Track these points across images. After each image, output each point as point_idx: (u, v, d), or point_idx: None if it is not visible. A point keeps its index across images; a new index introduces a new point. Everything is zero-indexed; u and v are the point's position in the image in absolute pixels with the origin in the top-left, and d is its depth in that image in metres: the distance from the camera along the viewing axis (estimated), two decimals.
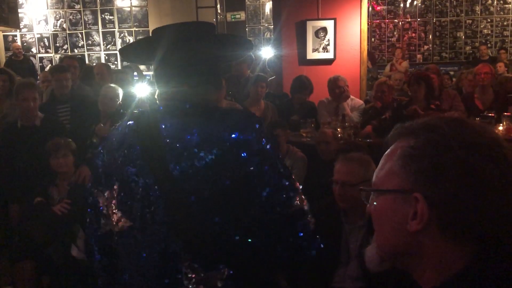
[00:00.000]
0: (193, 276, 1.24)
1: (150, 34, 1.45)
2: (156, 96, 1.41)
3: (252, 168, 1.25)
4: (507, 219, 0.77)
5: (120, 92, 4.18)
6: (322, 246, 1.37)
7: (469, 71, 5.94)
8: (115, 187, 1.34)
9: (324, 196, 2.65)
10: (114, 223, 1.35)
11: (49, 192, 3.21)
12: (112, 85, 4.36)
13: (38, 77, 7.37)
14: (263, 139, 1.29)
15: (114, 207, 1.35)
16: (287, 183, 1.29)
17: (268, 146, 1.30)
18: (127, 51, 1.58)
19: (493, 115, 4.20)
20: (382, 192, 0.85)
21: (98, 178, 1.41)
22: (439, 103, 4.11)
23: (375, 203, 0.87)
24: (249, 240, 1.28)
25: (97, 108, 4.20)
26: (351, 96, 4.75)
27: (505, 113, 4.15)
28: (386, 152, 0.88)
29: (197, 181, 1.24)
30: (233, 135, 1.25)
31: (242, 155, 1.25)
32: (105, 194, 1.37)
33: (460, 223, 0.77)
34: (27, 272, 3.08)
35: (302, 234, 1.31)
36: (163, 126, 1.29)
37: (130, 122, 1.37)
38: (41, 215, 3.12)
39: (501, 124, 3.99)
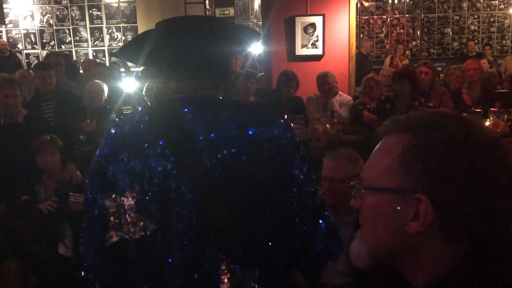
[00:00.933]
0: (229, 277, 1.18)
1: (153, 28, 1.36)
2: (143, 92, 1.38)
3: (284, 160, 1.22)
4: (505, 219, 0.76)
5: (105, 87, 4.15)
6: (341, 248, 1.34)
7: (457, 66, 5.98)
8: (131, 189, 1.22)
9: None
10: (132, 230, 1.22)
11: (35, 190, 3.17)
12: (97, 80, 4.33)
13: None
14: (291, 131, 1.26)
15: (131, 213, 1.22)
16: (313, 175, 1.27)
17: (296, 138, 1.27)
18: (125, 51, 1.46)
19: (480, 110, 4.24)
20: (378, 190, 0.82)
21: (105, 182, 1.26)
22: (423, 100, 4.13)
23: (368, 200, 0.84)
24: (281, 237, 1.24)
25: (82, 104, 4.16)
26: (340, 92, 4.77)
27: (492, 109, 4.19)
28: (379, 147, 0.85)
29: (234, 176, 1.18)
30: (264, 128, 1.21)
31: (275, 147, 1.21)
32: (116, 199, 1.24)
33: (462, 224, 0.76)
34: (13, 271, 3.04)
35: (326, 227, 1.28)
36: (189, 118, 1.21)
37: (138, 117, 1.26)
38: (27, 213, 3.09)
39: (488, 120, 4.03)
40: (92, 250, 1.29)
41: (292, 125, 1.29)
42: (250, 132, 1.20)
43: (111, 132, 1.28)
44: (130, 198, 1.22)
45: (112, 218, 1.24)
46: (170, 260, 1.20)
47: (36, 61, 9.07)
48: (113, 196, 1.24)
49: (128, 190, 1.22)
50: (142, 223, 1.21)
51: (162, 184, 1.19)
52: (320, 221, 1.28)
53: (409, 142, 0.78)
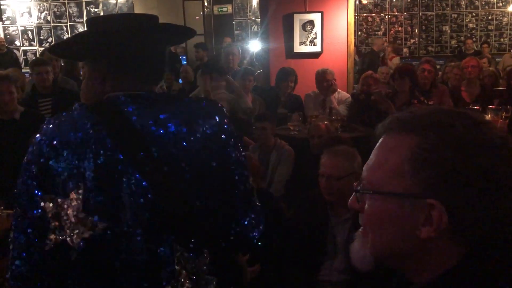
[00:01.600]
0: (185, 266, 1.21)
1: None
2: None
3: (228, 151, 1.30)
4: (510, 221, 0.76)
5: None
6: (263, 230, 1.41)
7: (455, 64, 5.99)
8: (79, 189, 1.18)
9: (311, 189, 2.65)
10: (78, 231, 1.18)
11: None
12: None
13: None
14: (230, 124, 1.33)
15: (77, 213, 1.18)
16: (244, 161, 1.35)
17: (231, 127, 1.33)
18: (59, 48, 1.49)
19: (478, 108, 4.24)
20: (385, 194, 0.79)
21: (46, 183, 1.20)
22: (423, 99, 4.13)
23: (372, 203, 0.82)
24: (220, 222, 1.32)
25: (80, 101, 4.15)
26: (338, 90, 4.76)
27: (490, 106, 4.19)
28: (381, 147, 0.82)
29: (184, 168, 1.21)
30: (208, 122, 1.27)
31: (220, 140, 1.28)
32: (58, 200, 1.19)
33: (472, 227, 0.74)
34: None
35: (254, 211, 1.38)
36: (134, 116, 1.22)
37: (78, 114, 1.24)
38: None
39: (486, 117, 4.03)
40: (25, 256, 1.21)
41: (227, 116, 1.36)
42: (195, 127, 1.25)
43: (48, 128, 1.23)
44: (76, 198, 1.19)
45: (52, 221, 1.19)
46: (123, 257, 1.20)
47: (34, 58, 9.02)
48: (54, 197, 1.19)
49: (75, 189, 1.18)
50: (90, 222, 1.19)
51: (112, 181, 1.18)
52: (249, 207, 1.37)
53: (418, 145, 0.76)
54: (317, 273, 2.35)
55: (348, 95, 4.86)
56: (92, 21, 1.35)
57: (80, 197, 1.19)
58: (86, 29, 1.35)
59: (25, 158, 1.25)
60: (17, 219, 1.23)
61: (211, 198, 1.27)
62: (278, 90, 4.80)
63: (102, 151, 1.19)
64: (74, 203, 1.20)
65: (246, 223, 1.35)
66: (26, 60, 9.76)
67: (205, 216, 1.26)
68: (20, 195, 1.23)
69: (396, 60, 8.96)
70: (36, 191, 1.21)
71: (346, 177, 2.29)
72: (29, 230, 1.21)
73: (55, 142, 1.20)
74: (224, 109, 1.37)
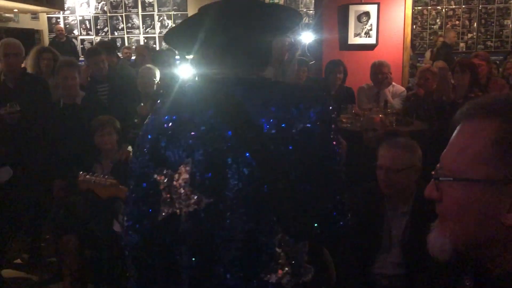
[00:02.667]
0: (285, 250, 1.19)
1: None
2: (196, 79, 1.38)
3: (330, 137, 1.25)
4: None
5: (157, 72, 4.24)
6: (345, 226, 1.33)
7: None
8: (186, 162, 1.23)
9: (365, 182, 2.61)
10: (185, 204, 1.24)
11: (92, 169, 3.29)
12: (149, 65, 4.43)
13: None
14: (333, 111, 1.29)
15: (184, 186, 1.23)
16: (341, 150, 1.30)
17: (333, 114, 1.29)
18: (171, 37, 1.44)
19: None
20: (467, 181, 0.77)
21: (157, 157, 1.27)
22: (480, 94, 3.97)
23: (452, 191, 0.80)
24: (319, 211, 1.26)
25: (136, 86, 4.28)
26: (393, 83, 4.65)
27: None
28: (461, 134, 0.81)
29: (290, 151, 1.20)
30: (309, 106, 1.23)
31: (321, 124, 1.23)
32: (168, 173, 1.25)
33: None
34: (71, 244, 3.18)
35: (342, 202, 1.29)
36: (240, 95, 1.23)
37: (189, 93, 1.29)
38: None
39: None
40: (138, 226, 1.30)
41: (330, 103, 1.32)
42: (297, 111, 1.22)
43: (159, 107, 1.30)
44: (185, 172, 1.23)
45: (164, 193, 1.26)
46: (223, 234, 1.21)
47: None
48: (165, 171, 1.25)
49: (183, 163, 1.23)
50: (196, 197, 1.23)
51: (218, 157, 1.20)
52: (338, 197, 1.28)
53: (503, 129, 0.74)
54: (371, 265, 2.32)
55: (403, 88, 4.74)
56: (203, 8, 1.33)
57: (188, 171, 1.23)
58: (197, 15, 1.33)
59: (140, 134, 1.33)
60: (131, 191, 1.32)
61: (313, 184, 1.24)
62: (329, 83, 4.74)
63: (209, 126, 1.22)
64: (183, 177, 1.24)
65: (335, 213, 1.28)
66: (83, 49, 10.13)
67: (306, 201, 1.23)
68: (134, 169, 1.32)
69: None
70: (149, 164, 1.28)
71: (406, 169, 2.24)
72: (142, 202, 1.30)
73: (165, 119, 1.27)
74: (326, 96, 1.33)
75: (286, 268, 1.20)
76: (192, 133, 1.23)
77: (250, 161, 1.19)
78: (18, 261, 3.95)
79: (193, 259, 1.26)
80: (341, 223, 1.28)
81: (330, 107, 1.27)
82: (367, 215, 2.35)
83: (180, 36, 1.39)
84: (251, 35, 1.29)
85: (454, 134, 0.83)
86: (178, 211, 1.26)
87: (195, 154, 1.22)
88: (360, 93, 4.68)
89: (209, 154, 1.21)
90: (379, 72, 4.45)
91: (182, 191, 1.24)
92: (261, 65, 1.34)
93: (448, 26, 10.49)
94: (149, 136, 1.29)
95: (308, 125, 1.21)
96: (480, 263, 0.86)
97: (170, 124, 1.26)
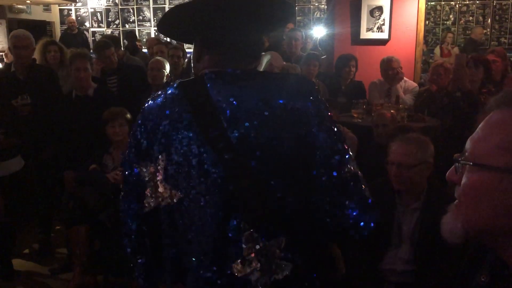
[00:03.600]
0: (253, 247, 1.19)
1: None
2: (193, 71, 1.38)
3: (310, 132, 1.22)
4: None
5: (167, 64, 4.25)
6: (378, 220, 1.27)
7: None
8: (161, 159, 1.26)
9: (376, 177, 2.59)
10: (161, 198, 1.28)
11: (104, 160, 3.30)
12: (158, 57, 4.44)
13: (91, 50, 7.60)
14: (319, 103, 1.26)
15: (160, 180, 1.27)
16: (340, 147, 1.25)
17: (324, 110, 1.26)
18: (164, 26, 1.42)
19: None
20: (486, 167, 0.77)
21: (140, 151, 1.31)
22: (494, 90, 3.91)
23: (472, 176, 0.80)
24: (305, 207, 1.25)
25: (144, 77, 4.30)
26: (405, 78, 4.61)
27: None
28: (489, 120, 0.81)
29: (256, 147, 1.20)
30: (289, 100, 1.22)
31: (300, 119, 1.22)
32: (149, 167, 1.29)
33: None
34: (81, 235, 3.20)
35: (356, 199, 1.23)
36: (214, 92, 1.24)
37: (171, 91, 1.30)
38: (95, 182, 3.23)
39: None
40: (130, 216, 1.35)
41: (320, 97, 1.28)
42: (274, 104, 1.21)
43: (146, 104, 1.33)
44: (160, 167, 1.27)
45: (147, 187, 1.30)
46: (194, 229, 1.24)
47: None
48: (148, 165, 1.29)
49: (159, 159, 1.27)
50: (169, 192, 1.26)
51: (188, 155, 1.22)
52: (348, 198, 1.23)
53: None
54: (380, 261, 2.31)
55: (415, 84, 4.69)
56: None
57: (162, 167, 1.26)
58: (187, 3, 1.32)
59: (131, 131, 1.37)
60: (124, 184, 1.38)
61: (286, 179, 1.22)
62: (340, 78, 4.70)
63: (181, 124, 1.24)
64: (155, 172, 1.28)
65: (339, 213, 1.24)
66: (94, 41, 10.16)
67: (279, 198, 1.22)
68: (123, 162, 1.37)
69: (456, 50, 8.59)
70: (133, 159, 1.32)
71: (418, 165, 2.22)
72: (130, 196, 1.35)
73: (147, 115, 1.30)
74: (315, 87, 1.30)
75: (256, 265, 1.20)
76: (163, 128, 1.26)
77: (214, 157, 1.20)
78: (27, 251, 3.98)
79: (172, 251, 1.31)
80: (352, 219, 1.23)
81: (313, 97, 1.25)
82: None
83: (174, 26, 1.40)
84: (241, 27, 1.28)
85: (484, 121, 0.83)
86: (159, 204, 1.30)
87: (170, 150, 1.25)
88: (371, 88, 4.64)
89: (180, 151, 1.24)
90: (389, 68, 4.41)
91: (159, 185, 1.28)
92: (249, 60, 1.32)
93: (461, 22, 10.36)
94: (136, 130, 1.33)
95: (284, 117, 1.21)
96: (495, 258, 0.85)
97: (150, 118, 1.29)
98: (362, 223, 1.24)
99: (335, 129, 1.26)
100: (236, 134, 1.20)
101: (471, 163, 0.80)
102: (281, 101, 1.22)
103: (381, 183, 2.42)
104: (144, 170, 1.30)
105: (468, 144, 0.83)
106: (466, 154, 0.82)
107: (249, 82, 1.26)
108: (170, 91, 1.31)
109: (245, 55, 1.31)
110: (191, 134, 1.22)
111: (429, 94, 4.31)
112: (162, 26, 1.40)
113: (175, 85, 1.33)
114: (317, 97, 1.27)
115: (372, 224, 1.25)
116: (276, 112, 1.21)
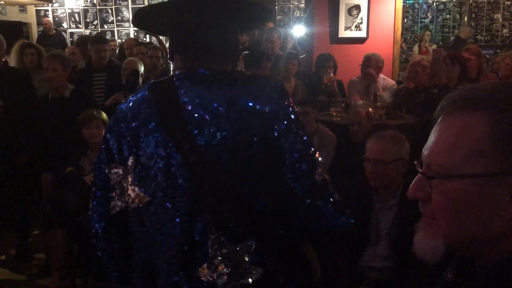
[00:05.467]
0: (220, 250, 1.18)
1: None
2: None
3: (277, 135, 1.21)
4: None
5: (141, 64, 4.21)
6: (352, 221, 1.30)
7: (507, 54, 5.72)
8: (130, 161, 1.26)
9: (354, 175, 2.61)
10: (130, 200, 1.27)
11: (80, 163, 3.26)
12: (132, 58, 4.40)
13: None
14: (287, 106, 1.25)
15: (129, 183, 1.27)
16: (308, 150, 1.24)
17: (292, 115, 1.25)
18: (139, 20, 1.41)
19: None
20: (463, 177, 0.73)
21: (110, 153, 1.32)
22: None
23: (446, 189, 0.75)
24: (275, 210, 1.24)
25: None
26: (383, 76, 4.65)
27: None
28: (447, 127, 0.77)
29: (222, 150, 1.18)
30: (257, 103, 1.21)
31: (268, 122, 1.21)
32: (118, 169, 1.29)
33: None
34: (59, 239, 3.15)
35: (329, 204, 1.25)
36: (182, 92, 1.23)
37: (142, 92, 1.29)
38: (72, 184, 3.18)
39: None
40: (96, 218, 1.37)
41: (289, 99, 1.27)
42: (241, 106, 1.20)
43: (118, 106, 1.35)
44: (129, 170, 1.27)
45: (115, 189, 1.30)
46: (162, 231, 1.24)
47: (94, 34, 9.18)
48: (117, 167, 1.29)
49: (128, 161, 1.27)
50: (137, 195, 1.26)
51: (155, 157, 1.22)
52: (319, 202, 1.24)
53: (498, 120, 0.71)
54: (359, 258, 2.32)
55: (393, 82, 4.74)
56: None
57: (130, 169, 1.27)
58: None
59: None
60: (94, 186, 1.38)
61: (253, 183, 1.21)
62: (319, 77, 4.72)
63: (148, 126, 1.24)
64: (125, 174, 1.28)
65: (305, 213, 1.25)
66: (72, 42, 10.01)
67: (246, 202, 1.21)
68: (95, 163, 1.39)
69: (435, 47, 8.72)
70: (103, 161, 1.33)
71: (393, 162, 2.24)
72: (99, 197, 1.36)
73: (118, 118, 1.31)
74: (284, 90, 1.29)
75: (223, 269, 1.19)
76: (132, 130, 1.26)
77: (179, 160, 1.20)
78: (4, 257, 3.91)
79: (142, 254, 1.31)
80: (325, 222, 1.26)
81: (281, 101, 1.23)
82: (355, 208, 2.34)
83: (148, 20, 1.40)
84: (214, 26, 1.27)
85: (438, 129, 0.79)
86: (127, 205, 1.30)
87: (138, 152, 1.25)
88: (350, 86, 4.67)
89: (148, 153, 1.24)
90: (368, 66, 4.45)
91: (129, 188, 1.28)
92: (222, 60, 1.31)
93: (438, 19, 10.51)
94: (107, 132, 1.34)
95: (248, 119, 1.20)
96: (462, 255, 0.85)
97: (121, 120, 1.30)
98: (337, 224, 1.26)
99: (303, 133, 1.26)
100: (202, 137, 1.19)
101: (447, 177, 0.75)
102: (250, 104, 1.21)
103: (358, 181, 2.43)
104: (113, 172, 1.30)
105: (429, 157, 0.78)
106: (432, 167, 0.77)
107: (217, 84, 1.24)
108: (141, 93, 1.30)
109: (219, 55, 1.30)
110: (158, 136, 1.22)
111: (406, 92, 4.36)
112: (137, 20, 1.39)
113: (146, 87, 1.32)
114: (286, 101, 1.25)
115: (348, 224, 1.28)
116: (243, 115, 1.20)
